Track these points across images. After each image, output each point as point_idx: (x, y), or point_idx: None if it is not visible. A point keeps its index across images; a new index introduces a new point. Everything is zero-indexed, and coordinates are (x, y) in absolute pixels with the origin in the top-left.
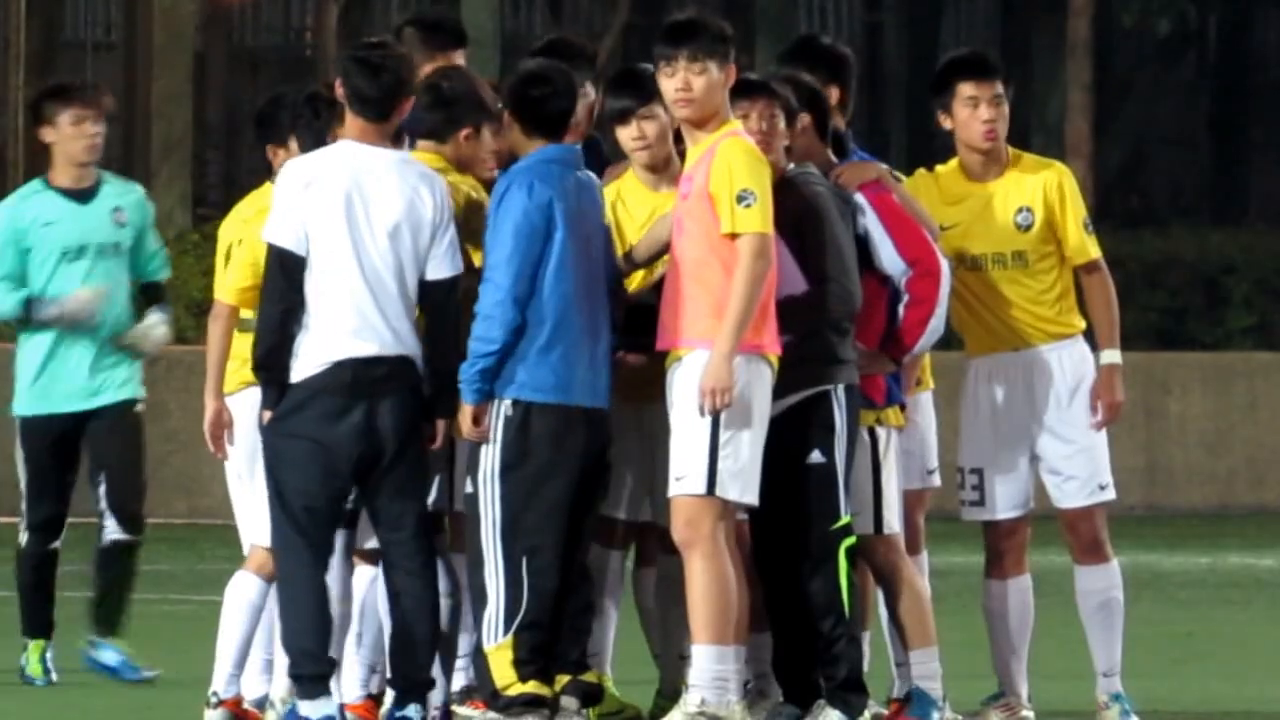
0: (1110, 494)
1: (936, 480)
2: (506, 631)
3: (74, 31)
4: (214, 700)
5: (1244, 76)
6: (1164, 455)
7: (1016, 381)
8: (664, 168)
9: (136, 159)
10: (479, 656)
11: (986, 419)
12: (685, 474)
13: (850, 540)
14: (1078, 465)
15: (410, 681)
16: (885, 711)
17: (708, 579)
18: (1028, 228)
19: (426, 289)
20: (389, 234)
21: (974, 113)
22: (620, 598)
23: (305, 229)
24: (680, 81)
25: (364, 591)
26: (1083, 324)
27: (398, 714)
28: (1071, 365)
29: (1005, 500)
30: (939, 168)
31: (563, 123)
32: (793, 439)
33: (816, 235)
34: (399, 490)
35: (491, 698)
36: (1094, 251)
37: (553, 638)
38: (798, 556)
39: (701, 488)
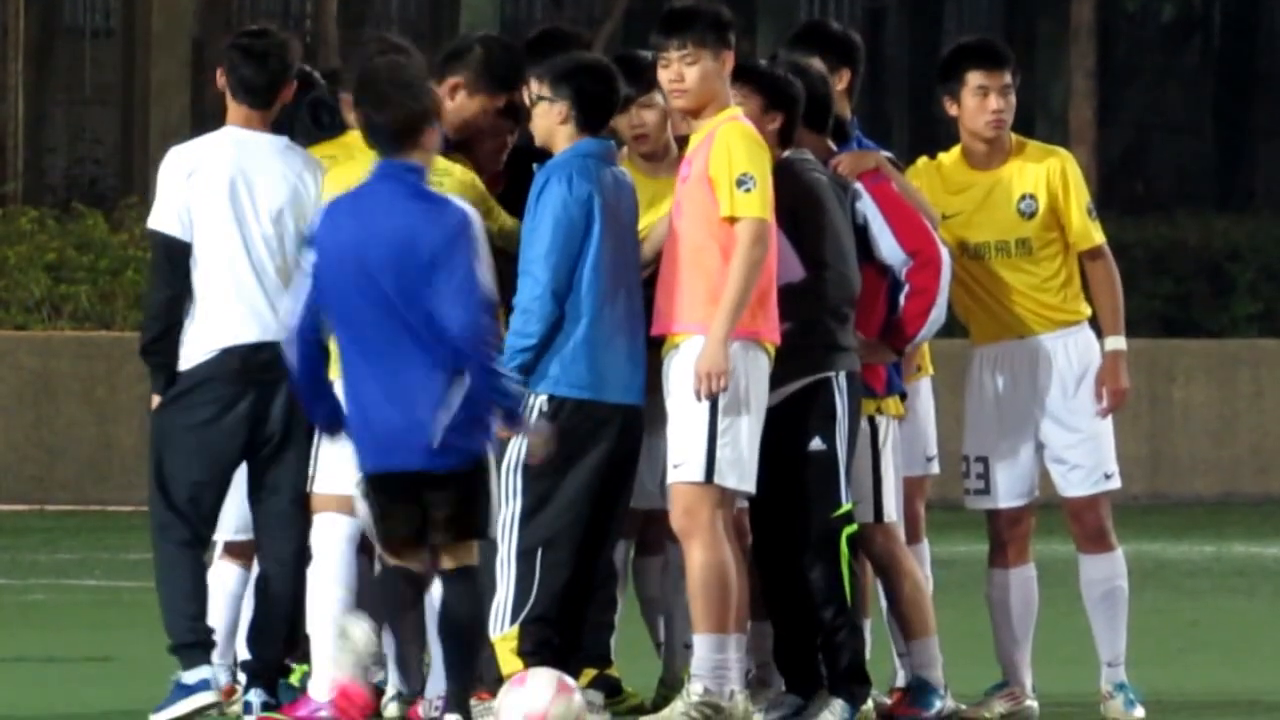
0: (1115, 483)
1: (936, 467)
2: (513, 622)
3: (73, 18)
4: None
5: (1249, 62)
6: (1168, 443)
7: (1021, 370)
8: (662, 155)
9: (135, 145)
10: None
11: (991, 407)
12: (683, 462)
13: (852, 528)
14: (1083, 454)
15: (264, 667)
16: (888, 700)
17: (706, 568)
18: (1031, 215)
19: None
20: (273, 219)
21: (983, 102)
22: (626, 587)
23: (190, 216)
24: (674, 73)
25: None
26: (1088, 311)
27: (245, 698)
28: (1077, 353)
29: (1010, 489)
30: (941, 156)
31: (608, 119)
32: (793, 427)
33: (814, 222)
34: (280, 475)
35: (496, 684)
36: (1098, 237)
37: (559, 631)
38: (798, 545)
39: (700, 475)
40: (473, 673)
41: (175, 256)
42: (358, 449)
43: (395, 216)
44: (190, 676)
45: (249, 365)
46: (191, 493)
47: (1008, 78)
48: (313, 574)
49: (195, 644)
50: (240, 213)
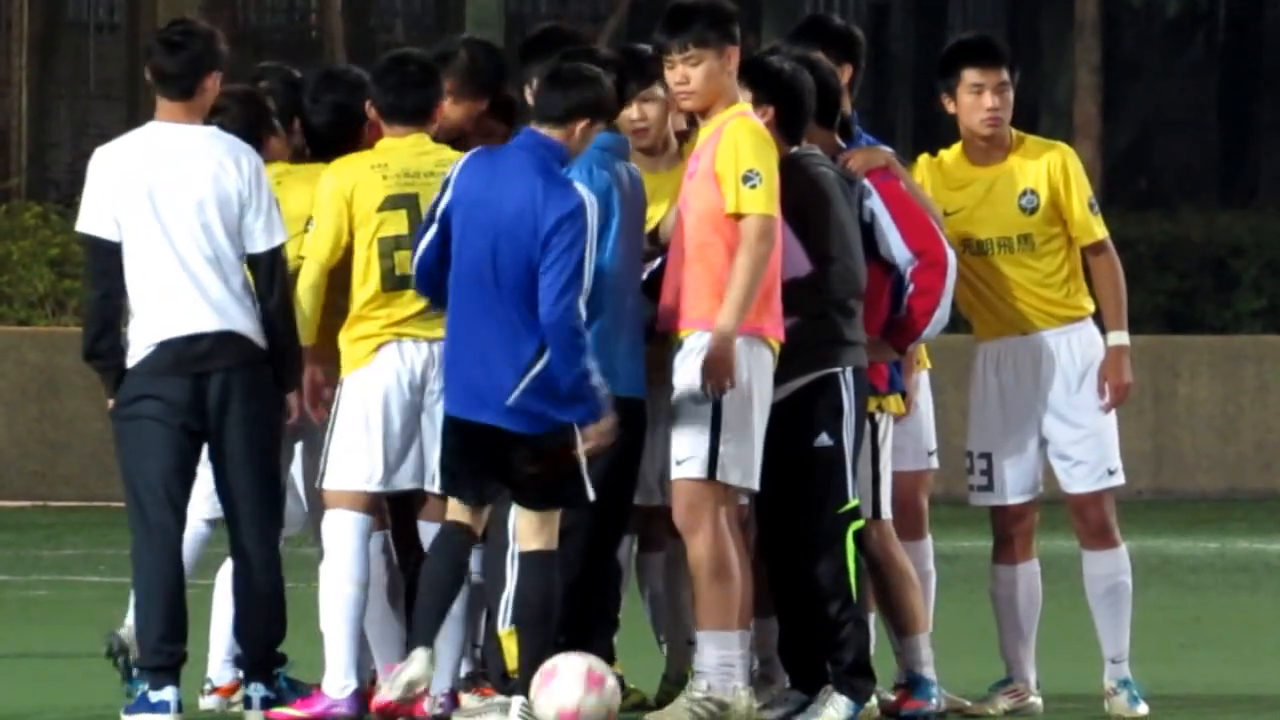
0: (1119, 479)
1: (935, 462)
2: None
3: (77, 12)
4: (208, 688)
5: (1253, 57)
6: (1172, 439)
7: (1025, 366)
8: (663, 149)
9: None
10: (490, 640)
11: (995, 403)
12: (686, 458)
13: (858, 523)
14: (1086, 450)
15: (254, 661)
16: (892, 697)
17: (710, 564)
18: (1032, 210)
19: (250, 263)
20: (195, 211)
21: (978, 100)
22: (629, 583)
23: (115, 215)
24: (679, 75)
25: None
26: (1092, 307)
27: (244, 693)
28: (1080, 349)
29: (1014, 485)
30: (942, 152)
31: (615, 114)
32: (800, 422)
33: (820, 216)
34: (235, 465)
35: (501, 679)
36: (1100, 231)
37: (566, 627)
38: (804, 540)
39: (702, 472)
40: (538, 657)
41: (105, 257)
42: (447, 389)
43: (520, 186)
44: (154, 695)
45: (183, 356)
46: (163, 481)
47: (1004, 75)
48: (324, 570)
49: (162, 668)
50: (160, 208)
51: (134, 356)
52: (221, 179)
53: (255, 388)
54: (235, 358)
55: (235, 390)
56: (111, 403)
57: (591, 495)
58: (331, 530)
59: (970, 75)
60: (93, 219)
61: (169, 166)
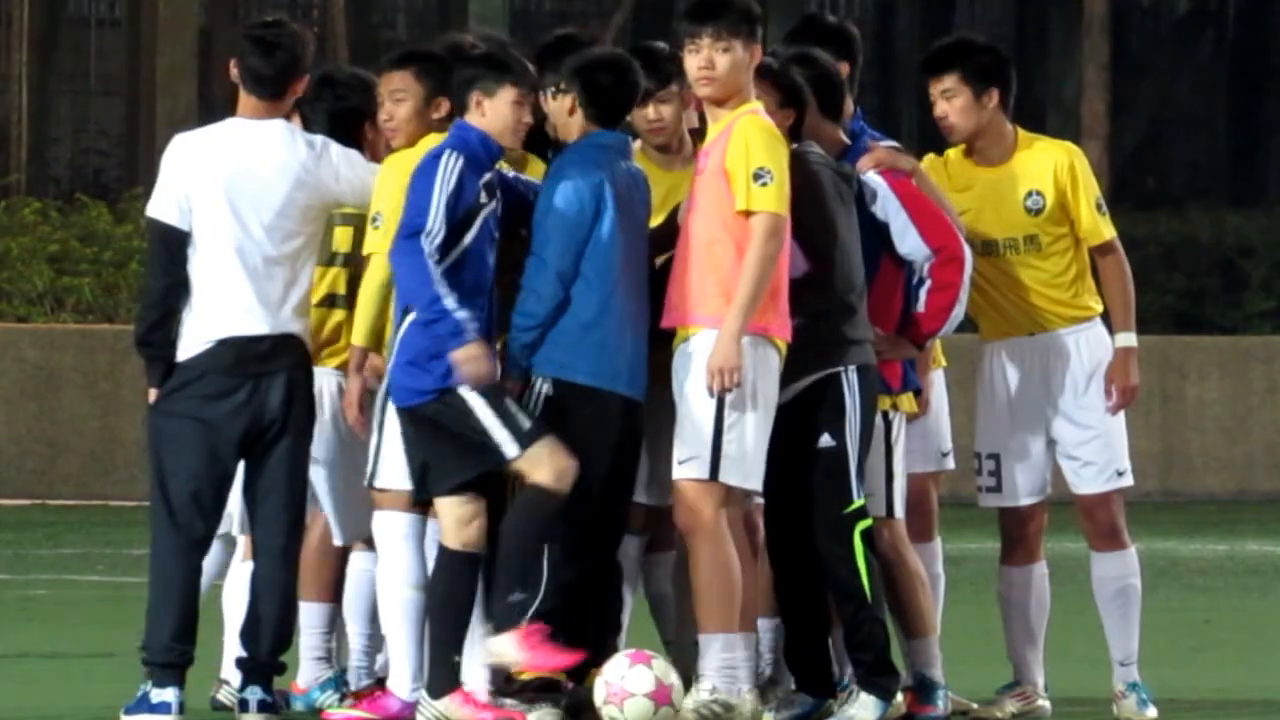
0: (1128, 480)
1: (951, 462)
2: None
3: (78, 7)
4: (224, 689)
5: (1263, 56)
6: (1181, 441)
7: (1033, 366)
8: (677, 148)
9: (140, 136)
10: None
11: (1003, 404)
12: (688, 458)
13: (866, 522)
14: (1094, 451)
15: (255, 664)
16: (899, 699)
17: (711, 566)
18: (1038, 211)
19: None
20: (275, 211)
21: (935, 108)
22: (637, 583)
23: (189, 204)
24: (704, 59)
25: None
26: (1100, 307)
27: (239, 695)
28: (1089, 349)
29: (1022, 486)
30: (949, 152)
31: (625, 113)
32: (803, 423)
33: (814, 214)
34: (275, 476)
35: (505, 682)
36: (1107, 232)
37: (568, 626)
38: (811, 542)
39: (704, 473)
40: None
41: (172, 245)
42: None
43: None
44: (156, 695)
45: (244, 357)
46: (193, 487)
47: (947, 82)
48: (381, 574)
49: (169, 665)
50: (238, 206)
51: (186, 351)
52: (304, 179)
53: (308, 392)
54: (293, 360)
55: (296, 393)
56: (153, 394)
57: (510, 449)
58: (384, 532)
59: (929, 84)
60: (164, 206)
61: (253, 164)
